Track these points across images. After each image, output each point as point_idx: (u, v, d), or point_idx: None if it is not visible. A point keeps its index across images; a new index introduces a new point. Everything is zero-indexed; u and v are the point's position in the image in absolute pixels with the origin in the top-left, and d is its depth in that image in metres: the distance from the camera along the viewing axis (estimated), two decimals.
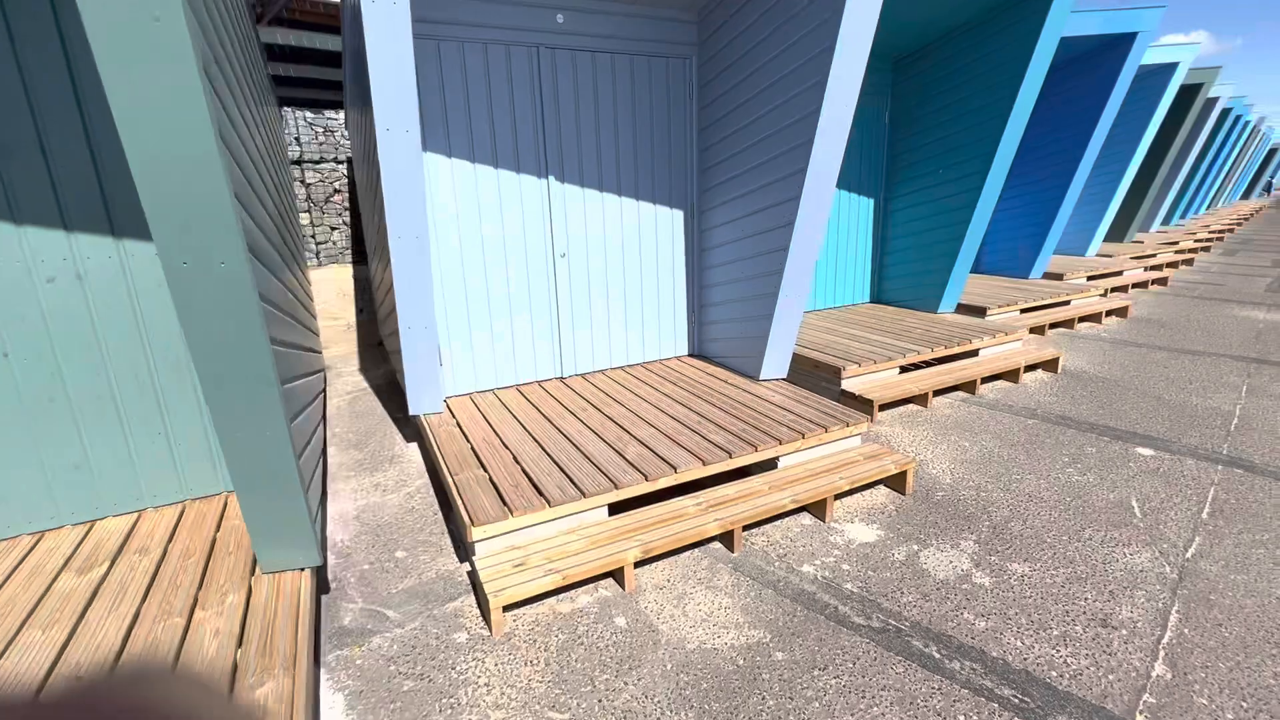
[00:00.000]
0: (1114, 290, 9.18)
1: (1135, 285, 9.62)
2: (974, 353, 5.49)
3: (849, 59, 3.35)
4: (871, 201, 6.81)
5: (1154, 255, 11.15)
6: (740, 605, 2.56)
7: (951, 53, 5.85)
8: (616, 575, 2.71)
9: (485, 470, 3.10)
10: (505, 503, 2.76)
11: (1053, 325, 7.23)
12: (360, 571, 2.84)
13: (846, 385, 4.70)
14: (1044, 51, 5.15)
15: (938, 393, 5.02)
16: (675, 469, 3.04)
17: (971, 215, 5.87)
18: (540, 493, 2.84)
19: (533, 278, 4.29)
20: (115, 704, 0.35)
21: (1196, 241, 14.10)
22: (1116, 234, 11.88)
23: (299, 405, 2.78)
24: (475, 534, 2.61)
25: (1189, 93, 10.36)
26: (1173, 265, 11.58)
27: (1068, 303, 7.47)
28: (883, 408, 4.74)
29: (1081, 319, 7.44)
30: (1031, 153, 8.07)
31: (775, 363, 4.31)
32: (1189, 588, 2.61)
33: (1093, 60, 7.27)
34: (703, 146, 4.56)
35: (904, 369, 5.12)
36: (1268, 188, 53.04)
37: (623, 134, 4.36)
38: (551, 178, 4.19)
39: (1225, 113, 13.50)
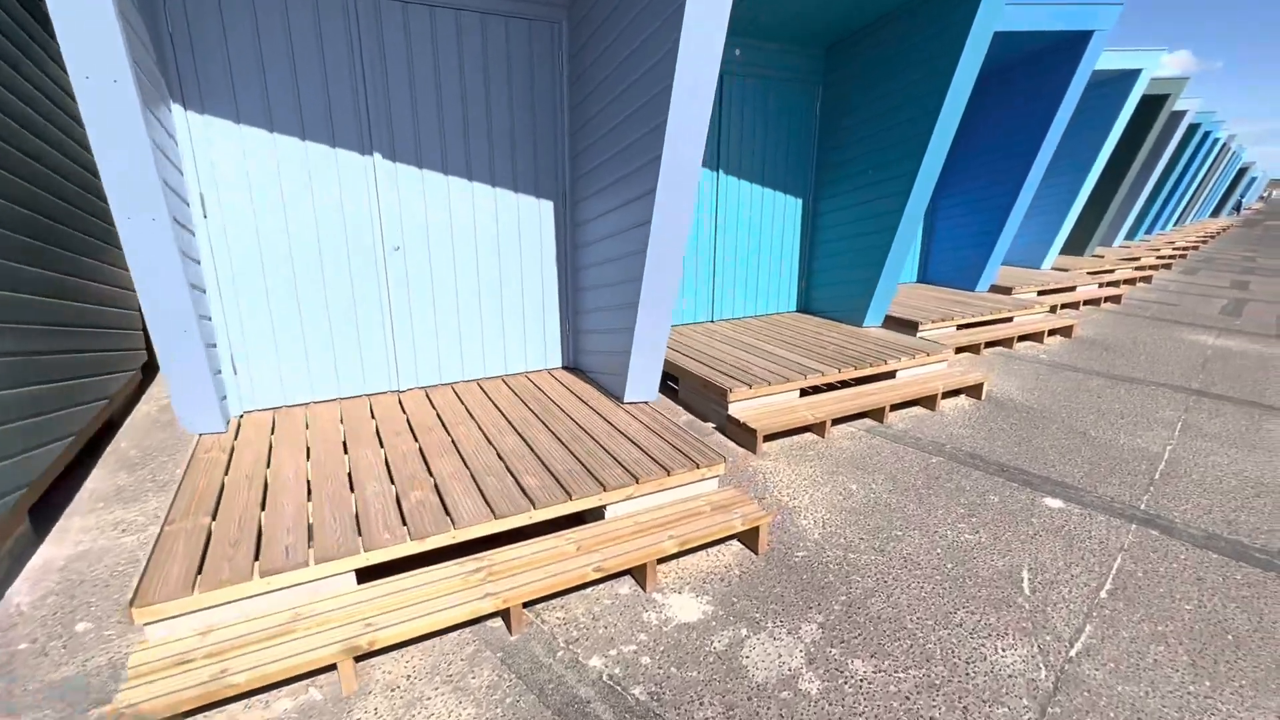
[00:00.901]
0: (1064, 307, 8.72)
1: (1087, 302, 9.14)
2: (891, 374, 4.94)
3: (703, 23, 2.72)
4: (800, 201, 6.22)
5: (1111, 271, 10.72)
6: None
7: (884, 40, 5.26)
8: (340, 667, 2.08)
9: (213, 517, 2.44)
10: (201, 570, 2.11)
11: (990, 344, 6.65)
12: (11, 651, 2.17)
13: (734, 410, 4.11)
14: (976, 45, 4.59)
15: (839, 420, 4.45)
16: (453, 525, 2.42)
17: (899, 221, 5.32)
18: (257, 555, 2.20)
19: (356, 273, 3.61)
20: None
21: (1159, 258, 13.73)
22: (1075, 247, 11.43)
23: None
24: (138, 617, 1.96)
25: (1154, 103, 9.92)
26: (1130, 282, 11.15)
27: (1010, 319, 6.90)
28: (773, 437, 4.16)
29: (1022, 338, 6.88)
30: (980, 156, 7.58)
31: (641, 384, 3.69)
32: (1062, 704, 2.05)
33: (1046, 60, 6.72)
34: (575, 126, 3.91)
35: (806, 391, 4.55)
36: (1237, 207, 53.83)
37: (472, 106, 3.69)
38: (378, 154, 3.51)
39: (1193, 128, 13.09)
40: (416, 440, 3.18)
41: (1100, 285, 9.79)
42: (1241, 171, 42.87)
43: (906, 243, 5.47)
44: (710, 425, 4.34)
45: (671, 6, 2.73)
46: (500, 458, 2.99)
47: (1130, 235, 14.90)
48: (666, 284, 3.33)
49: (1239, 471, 3.76)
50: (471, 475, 2.81)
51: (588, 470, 2.86)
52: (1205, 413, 4.68)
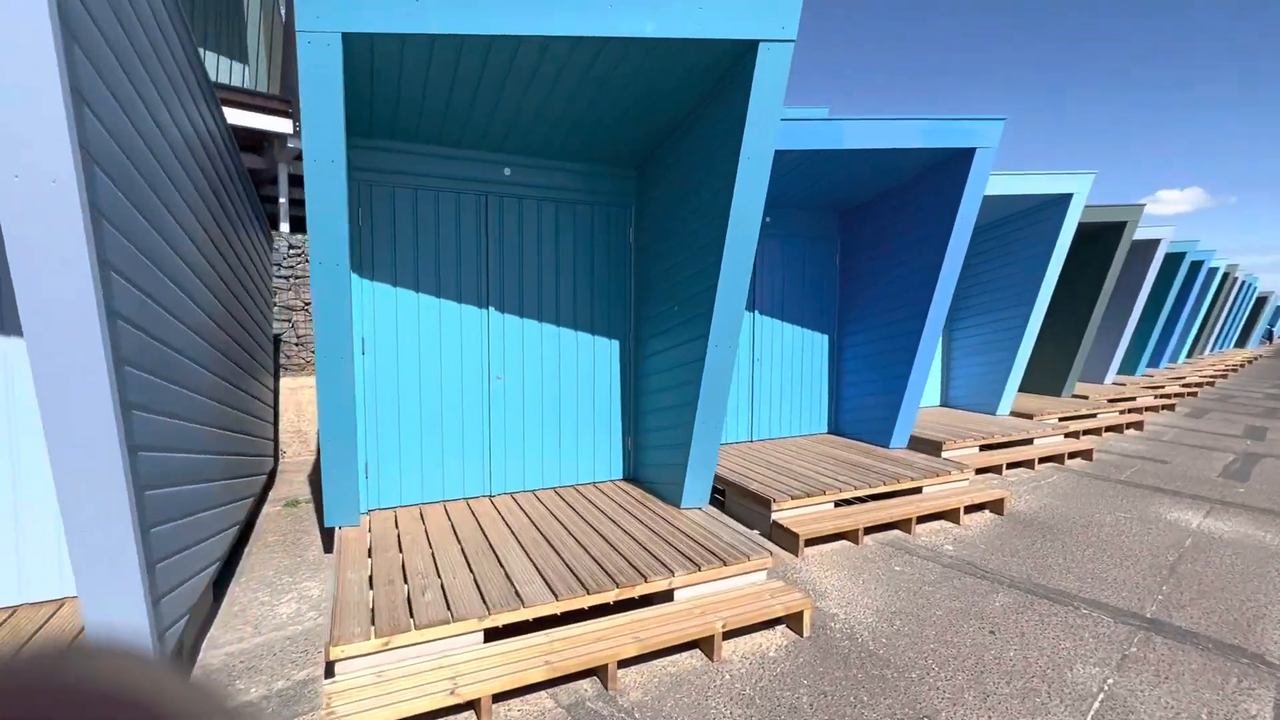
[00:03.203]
0: (1013, 466, 7.14)
1: (1045, 460, 7.41)
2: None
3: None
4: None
5: (1092, 415, 9.47)
6: None
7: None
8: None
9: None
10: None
11: (871, 529, 4.97)
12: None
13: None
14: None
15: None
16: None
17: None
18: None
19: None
20: (53, 685, 0.30)
21: (1158, 397, 12.45)
22: (1050, 385, 10.50)
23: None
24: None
25: (1112, 231, 9.64)
26: (1115, 429, 9.68)
27: (918, 490, 5.48)
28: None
29: (923, 519, 5.24)
30: (878, 299, 6.63)
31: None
32: None
33: (936, 180, 5.92)
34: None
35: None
36: (1268, 335, 53.45)
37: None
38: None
39: (1177, 256, 13.58)
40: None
41: (1065, 435, 8.34)
42: (1261, 300, 43.65)
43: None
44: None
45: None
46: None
47: (1130, 370, 14.66)
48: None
49: None
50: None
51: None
52: (1150, 672, 3.11)
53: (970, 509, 5.50)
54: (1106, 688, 3.03)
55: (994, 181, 7.05)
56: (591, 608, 3.20)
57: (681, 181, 4.28)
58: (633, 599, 3.29)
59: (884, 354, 6.54)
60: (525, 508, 4.39)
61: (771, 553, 3.64)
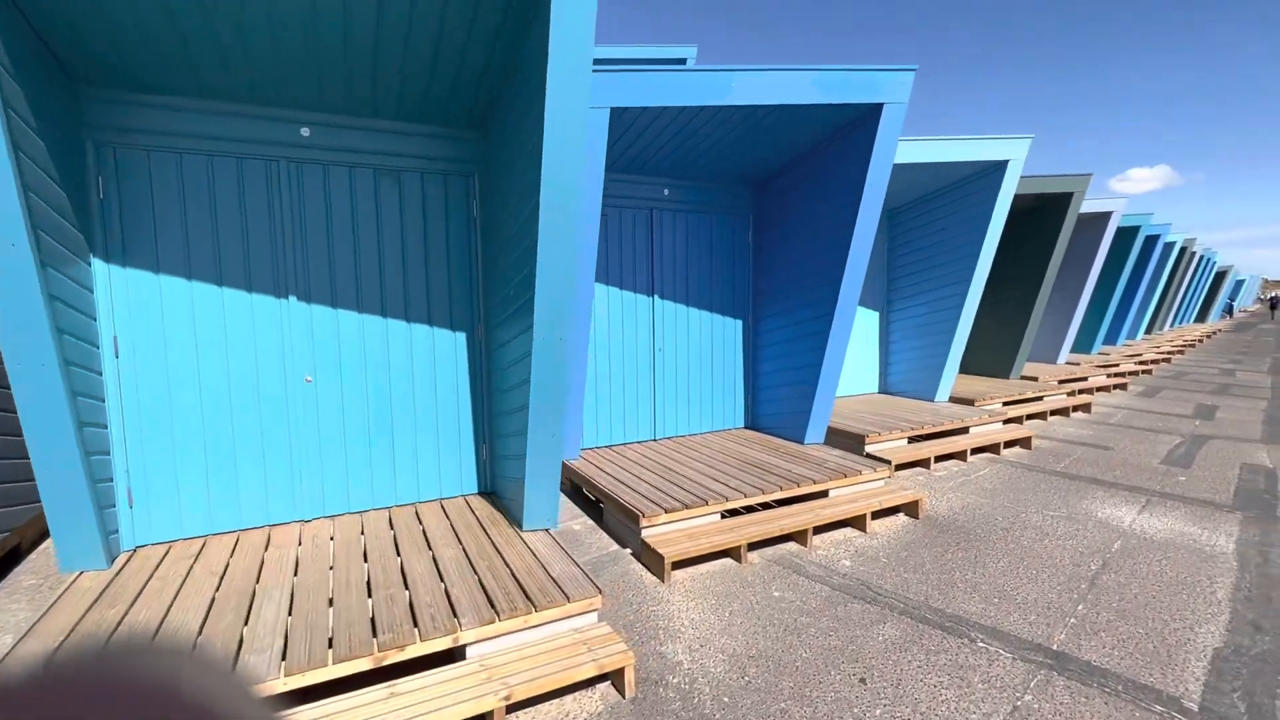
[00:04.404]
0: (944, 458, 6.61)
1: (978, 450, 6.88)
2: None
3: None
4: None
5: (1038, 399, 8.93)
6: None
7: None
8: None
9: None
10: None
11: (759, 544, 4.32)
12: None
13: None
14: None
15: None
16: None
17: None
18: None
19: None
20: (108, 683, 0.32)
21: (1110, 376, 11.97)
22: (998, 367, 9.99)
23: None
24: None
25: (1058, 203, 9.05)
26: (1061, 412, 9.23)
27: (824, 494, 4.80)
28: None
29: (824, 528, 4.61)
30: (796, 277, 5.90)
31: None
32: None
33: (844, 144, 5.23)
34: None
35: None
36: (1228, 309, 54.41)
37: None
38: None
39: (1131, 231, 12.98)
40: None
41: (1004, 422, 7.65)
42: (1221, 275, 44.18)
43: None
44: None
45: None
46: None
47: (1085, 348, 14.28)
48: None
49: None
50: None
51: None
52: None
53: (879, 514, 4.90)
54: None
55: (921, 148, 6.43)
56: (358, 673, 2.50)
57: (506, 142, 3.55)
58: (416, 659, 2.60)
59: (797, 341, 5.90)
60: (338, 536, 3.67)
61: (600, 590, 2.97)
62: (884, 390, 8.80)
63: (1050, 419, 8.94)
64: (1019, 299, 9.65)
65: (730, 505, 4.39)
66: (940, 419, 6.95)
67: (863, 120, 4.98)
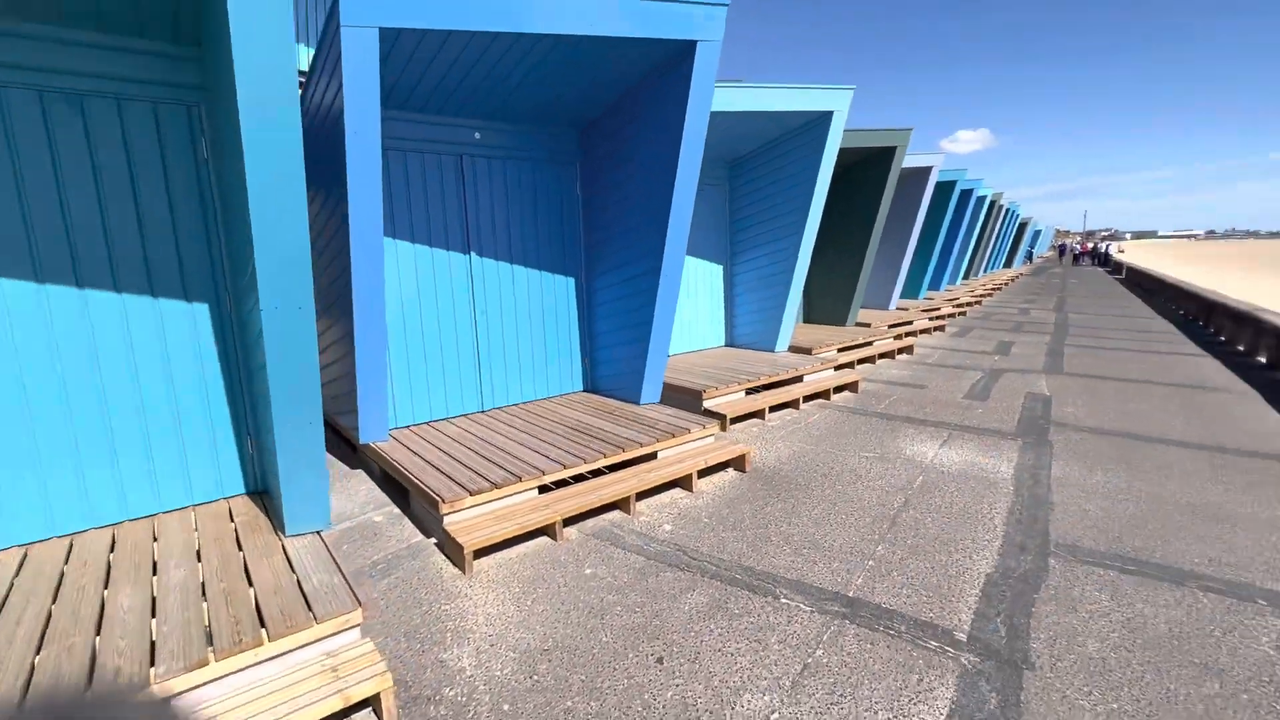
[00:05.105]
0: (780, 408, 6.69)
1: (811, 397, 7.12)
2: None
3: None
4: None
5: (869, 344, 9.50)
6: None
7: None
8: None
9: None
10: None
11: (577, 518, 4.01)
12: None
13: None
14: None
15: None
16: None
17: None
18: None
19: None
20: None
21: (931, 319, 13.06)
22: (836, 315, 10.55)
23: None
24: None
25: (884, 156, 9.40)
26: (888, 355, 9.90)
27: (653, 456, 4.64)
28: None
29: (649, 492, 4.41)
30: (626, 229, 5.54)
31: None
32: None
33: (660, 85, 4.86)
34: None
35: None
36: (1028, 256, 63.10)
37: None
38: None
39: (948, 184, 14.01)
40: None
41: (835, 369, 8.13)
42: (1023, 225, 50.79)
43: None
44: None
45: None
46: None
47: (913, 294, 15.30)
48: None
49: None
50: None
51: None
52: (825, 690, 2.49)
53: (707, 471, 4.85)
54: None
55: (748, 95, 6.28)
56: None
57: (217, 58, 2.79)
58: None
59: (630, 297, 5.63)
60: (28, 567, 2.87)
61: (315, 618, 2.51)
62: (730, 343, 8.92)
63: (878, 362, 9.59)
64: (852, 249, 10.12)
65: (548, 479, 4.08)
66: (778, 369, 7.12)
67: (679, 59, 4.65)
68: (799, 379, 7.28)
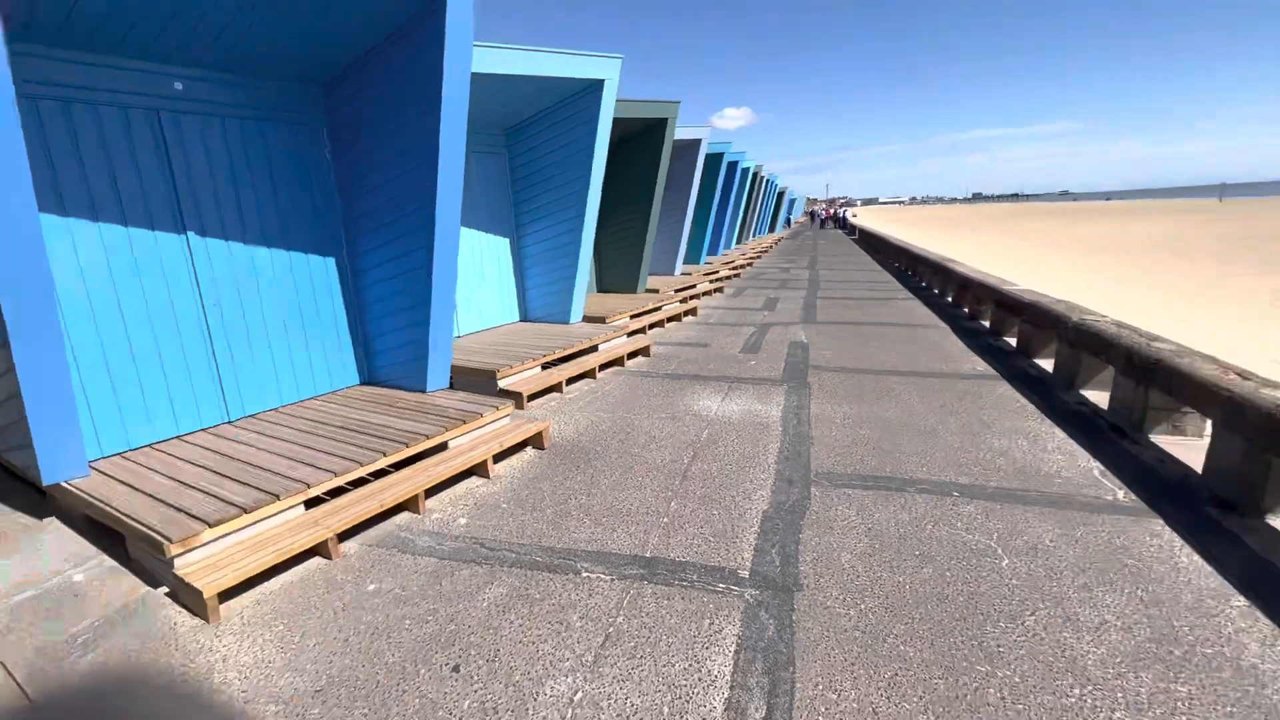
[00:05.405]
0: (577, 379, 6.67)
1: (606, 366, 7.17)
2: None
3: None
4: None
5: (658, 309, 9.80)
6: None
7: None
8: None
9: None
10: None
11: (354, 530, 3.60)
12: None
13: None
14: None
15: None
16: None
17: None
18: None
19: None
20: None
21: (712, 282, 13.99)
22: (627, 284, 10.82)
23: None
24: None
25: (658, 128, 9.79)
26: (676, 318, 10.39)
27: (444, 446, 4.36)
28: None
29: (439, 487, 4.11)
30: (391, 202, 5.00)
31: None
32: None
33: (411, 41, 4.43)
34: None
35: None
36: (787, 222, 72.11)
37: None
38: None
39: (716, 157, 15.30)
40: None
41: (627, 335, 8.22)
42: (781, 194, 57.70)
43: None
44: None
45: None
46: None
47: (694, 259, 16.44)
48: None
49: None
50: None
51: None
52: (626, 657, 2.52)
53: (503, 455, 4.67)
54: (572, 710, 2.30)
55: (516, 57, 5.99)
56: None
57: None
58: None
59: (404, 276, 5.11)
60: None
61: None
62: (524, 318, 8.71)
63: (668, 325, 10.13)
64: (637, 217, 10.46)
65: (317, 490, 3.55)
66: (573, 341, 7.11)
67: (429, 9, 4.21)
68: (594, 349, 7.36)
